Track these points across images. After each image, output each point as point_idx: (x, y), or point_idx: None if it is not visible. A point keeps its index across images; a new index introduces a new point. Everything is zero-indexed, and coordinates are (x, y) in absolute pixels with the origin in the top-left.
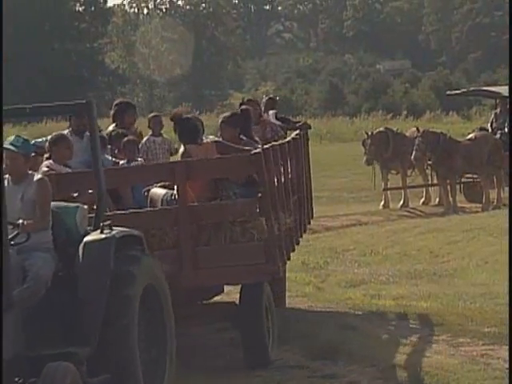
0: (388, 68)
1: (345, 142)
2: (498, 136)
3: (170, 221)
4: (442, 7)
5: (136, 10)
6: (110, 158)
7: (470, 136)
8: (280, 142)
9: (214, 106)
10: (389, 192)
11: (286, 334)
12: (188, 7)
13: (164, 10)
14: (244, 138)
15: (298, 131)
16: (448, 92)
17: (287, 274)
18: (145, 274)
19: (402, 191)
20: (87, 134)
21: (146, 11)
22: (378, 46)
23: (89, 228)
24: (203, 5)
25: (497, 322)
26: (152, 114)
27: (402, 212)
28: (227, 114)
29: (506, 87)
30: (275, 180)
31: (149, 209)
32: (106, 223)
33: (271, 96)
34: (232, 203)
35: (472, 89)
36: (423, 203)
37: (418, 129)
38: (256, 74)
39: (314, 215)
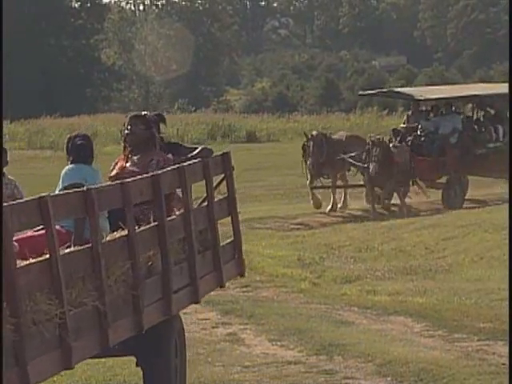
0: (384, 64)
1: None
2: (410, 138)
3: None
4: (437, 3)
5: (132, 7)
6: None
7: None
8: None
9: (210, 102)
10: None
11: (281, 330)
12: (184, 3)
13: (160, 7)
14: None
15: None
16: (360, 92)
17: (283, 270)
18: None
19: (331, 196)
20: None
21: (141, 7)
22: (373, 43)
23: None
24: (199, 1)
25: (492, 317)
26: None
27: (397, 208)
28: None
29: (417, 88)
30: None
31: None
32: None
33: (154, 114)
34: None
35: (385, 90)
36: (330, 210)
37: (370, 140)
38: (252, 70)
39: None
